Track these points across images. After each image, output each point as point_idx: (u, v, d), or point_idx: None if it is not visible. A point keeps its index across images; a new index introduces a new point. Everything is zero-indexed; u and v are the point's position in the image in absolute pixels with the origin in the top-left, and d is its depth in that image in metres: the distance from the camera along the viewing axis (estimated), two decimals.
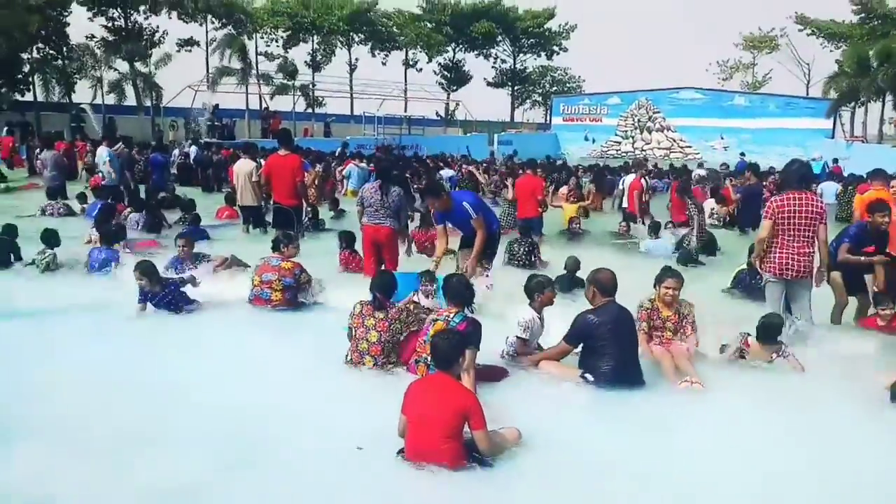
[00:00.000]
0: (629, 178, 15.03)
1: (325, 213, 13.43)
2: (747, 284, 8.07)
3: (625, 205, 14.48)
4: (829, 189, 16.60)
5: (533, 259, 9.49)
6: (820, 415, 4.79)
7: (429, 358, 4.77)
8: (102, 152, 13.77)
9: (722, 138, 39.07)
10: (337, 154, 22.26)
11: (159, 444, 4.19)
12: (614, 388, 5.08)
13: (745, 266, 8.29)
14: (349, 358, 5.51)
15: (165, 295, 6.83)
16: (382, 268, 7.99)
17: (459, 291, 5.34)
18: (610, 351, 5.15)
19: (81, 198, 13.45)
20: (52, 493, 3.64)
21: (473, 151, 30.08)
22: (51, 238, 8.51)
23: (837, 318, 7.09)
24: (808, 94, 44.62)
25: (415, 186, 15.53)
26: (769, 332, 5.74)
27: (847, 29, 41.99)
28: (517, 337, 5.60)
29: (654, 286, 6.00)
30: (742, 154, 31.50)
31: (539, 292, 5.67)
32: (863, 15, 40.80)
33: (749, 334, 5.83)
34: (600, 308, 5.30)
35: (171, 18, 37.85)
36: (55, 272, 8.22)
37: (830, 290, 6.94)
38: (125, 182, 14.05)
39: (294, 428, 4.47)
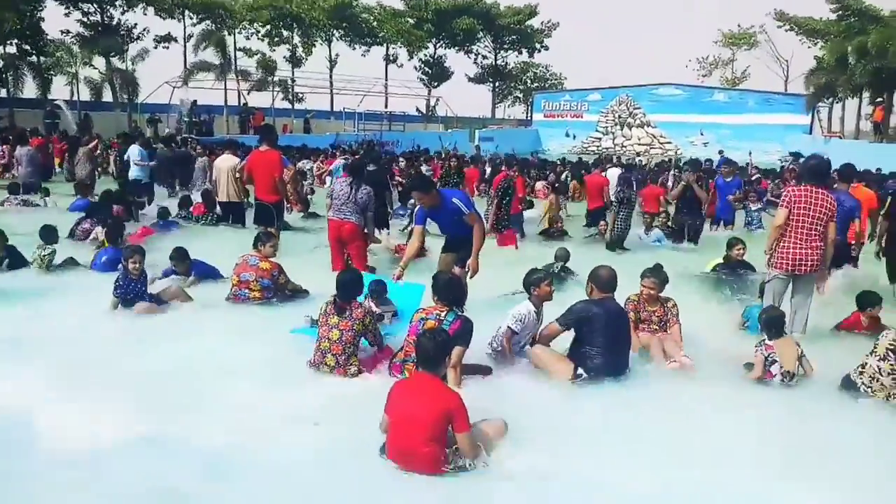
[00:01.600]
0: (610, 172, 14.99)
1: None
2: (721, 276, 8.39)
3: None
4: None
5: None
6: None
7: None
8: (134, 151, 14.61)
9: (702, 134, 39.33)
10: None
11: (130, 449, 4.08)
12: (603, 380, 5.07)
13: (721, 260, 8.62)
14: (312, 359, 5.29)
15: (139, 284, 6.75)
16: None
17: (451, 290, 5.23)
18: (602, 343, 5.15)
19: (45, 191, 13.44)
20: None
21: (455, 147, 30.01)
22: (50, 234, 8.33)
23: None
24: (786, 90, 44.99)
25: (395, 182, 15.44)
26: (774, 324, 5.55)
27: (825, 25, 42.40)
28: (508, 327, 5.41)
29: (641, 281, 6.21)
30: (721, 151, 31.69)
31: (535, 286, 5.54)
32: (840, 12, 41.27)
33: (764, 339, 5.57)
34: (598, 301, 5.35)
35: (147, 14, 37.51)
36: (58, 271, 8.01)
37: None
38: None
39: (272, 430, 4.37)
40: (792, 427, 4.67)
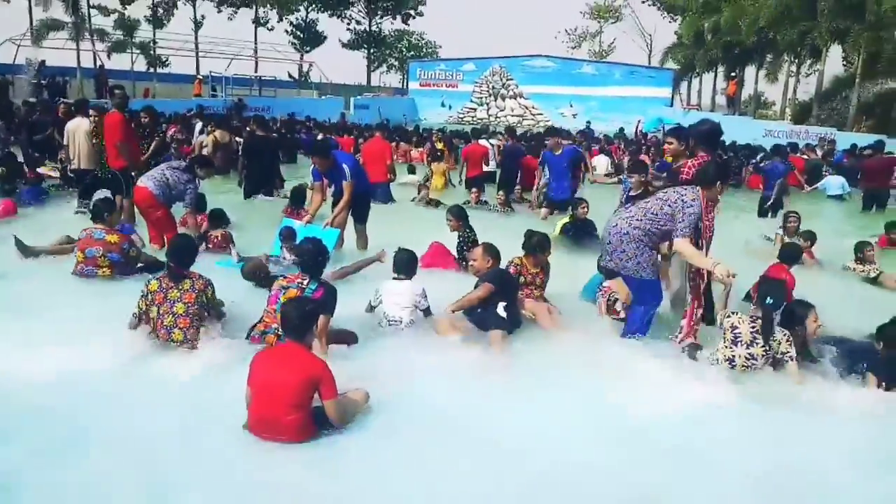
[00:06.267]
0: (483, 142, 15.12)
1: None
2: (571, 235, 9.38)
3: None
4: (836, 183, 16.06)
5: None
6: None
7: (279, 328, 4.53)
8: None
9: (571, 105, 40.37)
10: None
11: None
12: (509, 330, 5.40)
13: (567, 220, 9.61)
14: (157, 335, 4.94)
15: None
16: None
17: (312, 258, 5.08)
18: (507, 298, 5.52)
19: None
20: None
21: (330, 115, 29.32)
22: None
23: None
24: (650, 63, 46.94)
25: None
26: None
27: (684, 2, 44.49)
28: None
29: (528, 251, 6.20)
30: (588, 122, 32.76)
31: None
32: None
33: (604, 286, 6.20)
34: (493, 269, 5.78)
35: None
36: None
37: None
38: None
39: (126, 407, 4.11)
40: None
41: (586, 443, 3.96)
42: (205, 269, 5.63)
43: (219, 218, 8.28)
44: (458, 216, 7.72)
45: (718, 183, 5.26)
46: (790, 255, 6.89)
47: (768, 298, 4.86)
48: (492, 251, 5.91)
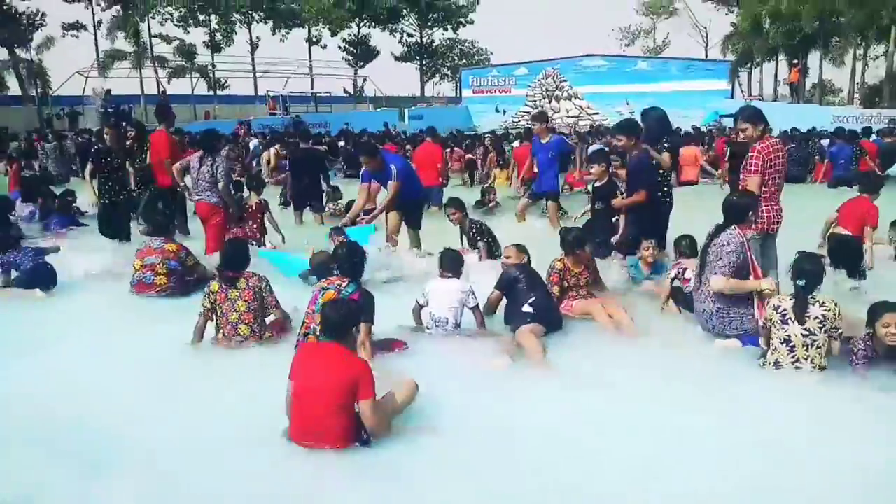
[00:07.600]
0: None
1: None
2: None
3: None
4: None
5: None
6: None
7: (318, 329, 4.41)
8: None
9: (627, 103, 39.63)
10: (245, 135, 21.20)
11: (22, 451, 3.73)
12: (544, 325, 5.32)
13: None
14: (221, 335, 5.13)
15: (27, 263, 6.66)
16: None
17: (349, 262, 5.00)
18: (532, 294, 5.43)
19: None
20: None
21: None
22: None
23: None
24: (706, 56, 45.82)
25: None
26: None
27: None
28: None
29: (567, 250, 5.93)
30: None
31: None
32: None
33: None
34: (515, 265, 5.80)
35: None
36: None
37: None
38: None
39: (171, 422, 4.07)
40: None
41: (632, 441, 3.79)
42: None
43: (257, 186, 9.05)
44: (459, 207, 7.92)
45: (750, 213, 5.30)
46: (872, 183, 6.38)
47: (800, 280, 4.49)
48: (521, 248, 6.08)
